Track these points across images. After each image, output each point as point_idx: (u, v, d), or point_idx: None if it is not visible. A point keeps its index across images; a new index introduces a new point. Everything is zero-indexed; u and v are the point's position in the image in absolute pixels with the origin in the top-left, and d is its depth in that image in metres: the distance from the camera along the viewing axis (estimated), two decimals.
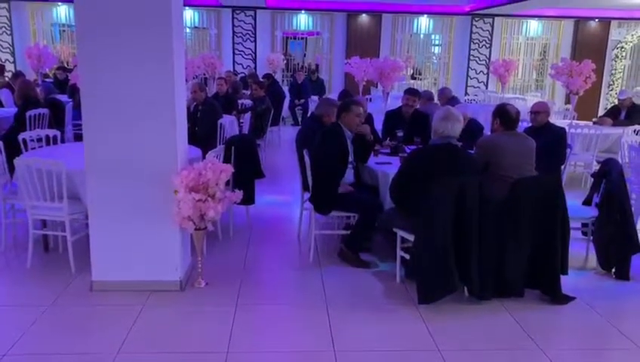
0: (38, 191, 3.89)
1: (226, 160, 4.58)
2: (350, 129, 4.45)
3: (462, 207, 3.47)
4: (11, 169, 4.19)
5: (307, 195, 4.60)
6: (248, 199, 4.86)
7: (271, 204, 6.02)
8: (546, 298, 3.77)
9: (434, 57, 15.50)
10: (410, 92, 6.11)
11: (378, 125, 6.10)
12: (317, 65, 14.64)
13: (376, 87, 12.31)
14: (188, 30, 14.10)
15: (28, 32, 13.70)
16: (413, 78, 15.42)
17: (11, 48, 13.62)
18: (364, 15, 14.35)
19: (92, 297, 3.66)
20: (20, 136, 5.06)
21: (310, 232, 4.56)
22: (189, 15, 14.03)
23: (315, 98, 11.42)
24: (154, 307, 3.54)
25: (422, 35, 15.17)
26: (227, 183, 4.01)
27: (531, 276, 3.73)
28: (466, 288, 3.73)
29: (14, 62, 13.48)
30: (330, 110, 4.85)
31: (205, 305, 3.60)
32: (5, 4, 13.40)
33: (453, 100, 7.09)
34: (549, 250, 3.66)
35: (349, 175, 4.54)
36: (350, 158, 4.51)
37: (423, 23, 14.94)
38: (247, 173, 4.87)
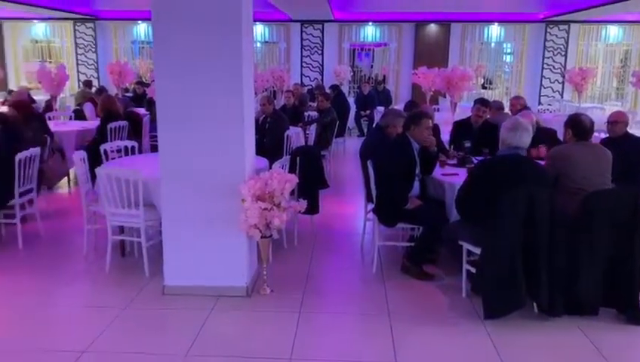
0: (117, 198, 4.16)
1: (292, 170, 4.68)
2: (418, 141, 4.42)
3: (531, 220, 3.37)
4: (93, 177, 4.50)
5: (371, 206, 4.61)
6: (312, 208, 4.93)
7: (335, 214, 6.07)
8: (622, 317, 3.56)
9: (505, 66, 15.07)
10: (481, 102, 5.98)
11: (445, 135, 6.02)
12: (384, 76, 14.64)
13: (445, 97, 12.13)
14: (258, 45, 14.54)
15: (110, 50, 14.64)
16: (483, 87, 15.07)
17: (96, 65, 14.61)
18: (432, 25, 14.22)
19: (164, 300, 3.84)
20: (102, 147, 5.41)
21: (374, 243, 4.56)
22: (260, 30, 14.47)
23: (381, 109, 11.42)
24: (221, 311, 3.67)
25: (493, 44, 14.81)
26: (292, 193, 4.10)
27: (607, 294, 3.54)
28: (535, 304, 3.60)
29: (98, 77, 14.44)
30: (396, 121, 4.85)
31: (270, 311, 3.69)
32: (91, 24, 14.40)
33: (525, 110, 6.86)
34: (627, 267, 3.47)
35: (415, 187, 4.51)
36: (417, 170, 4.48)
37: (494, 31, 14.58)
38: (311, 183, 4.95)
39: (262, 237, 3.74)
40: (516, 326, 3.47)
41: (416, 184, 4.49)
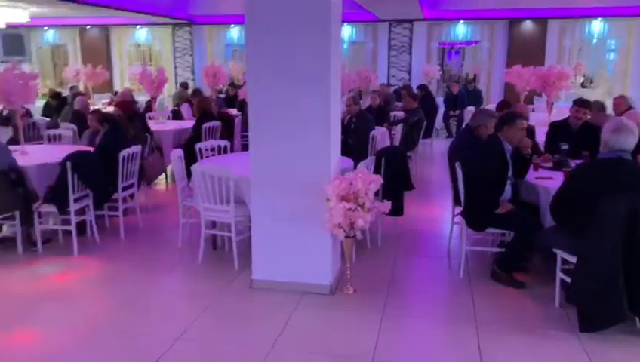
0: (210, 195, 4.37)
1: (376, 171, 4.67)
2: (511, 143, 4.25)
3: (634, 229, 3.13)
4: (189, 174, 4.76)
5: (459, 209, 4.50)
6: (397, 210, 4.89)
7: (420, 216, 5.98)
8: None
9: (608, 64, 14.06)
10: (580, 103, 5.62)
11: (540, 137, 5.74)
12: (474, 75, 14.19)
13: (540, 96, 11.53)
14: (345, 45, 14.63)
15: (205, 53, 15.37)
16: (583, 86, 14.15)
17: (192, 67, 15.40)
18: (527, 22, 13.58)
19: (251, 293, 3.99)
20: (197, 146, 5.71)
21: (461, 248, 4.45)
22: (347, 31, 14.55)
23: (471, 109, 11.08)
24: (305, 308, 3.75)
25: (595, 40, 13.87)
26: (376, 194, 4.09)
27: None
28: (638, 318, 3.34)
29: (194, 79, 15.21)
30: (488, 121, 4.69)
31: (353, 311, 3.72)
32: (188, 28, 15.20)
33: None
34: None
35: (507, 191, 4.34)
36: (509, 173, 4.31)
37: (596, 27, 13.65)
38: (396, 185, 4.91)
39: (346, 236, 3.77)
40: (615, 342, 3.25)
41: (508, 187, 4.32)
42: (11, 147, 5.19)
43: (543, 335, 3.37)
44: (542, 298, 3.87)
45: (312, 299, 3.87)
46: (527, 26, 13.61)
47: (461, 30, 14.25)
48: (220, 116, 8.06)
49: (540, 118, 8.17)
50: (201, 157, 5.54)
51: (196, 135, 7.30)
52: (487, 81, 14.17)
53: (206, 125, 7.39)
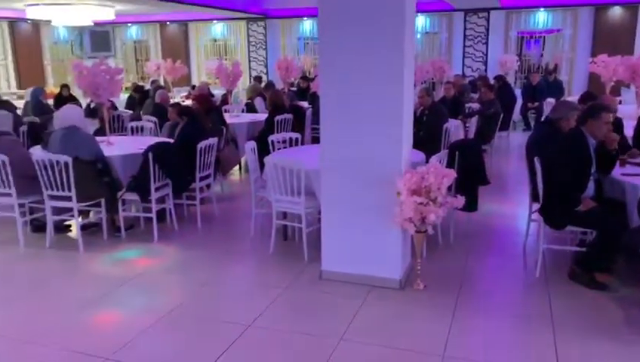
0: (282, 186, 4.45)
1: (450, 165, 4.57)
2: (595, 137, 4.01)
3: None
4: (262, 166, 4.87)
5: (536, 206, 4.31)
6: (470, 205, 4.76)
7: (495, 212, 5.79)
8: None
9: None
10: None
11: (629, 131, 5.38)
12: (555, 65, 13.49)
13: (628, 87, 10.80)
14: (418, 36, 14.36)
15: (278, 46, 15.62)
16: None
17: (265, 61, 15.71)
18: (616, 8, 12.72)
19: (321, 285, 4.04)
20: (269, 138, 5.82)
21: (538, 246, 4.27)
22: (421, 21, 14.27)
23: (551, 101, 10.56)
24: (374, 301, 3.74)
25: None
26: (449, 188, 4.00)
27: None
28: None
29: (267, 73, 15.51)
30: (569, 114, 4.45)
31: (423, 306, 3.67)
32: (262, 23, 15.49)
33: None
34: None
35: (590, 187, 4.10)
36: (592, 169, 4.07)
37: None
38: (470, 179, 4.78)
39: (416, 231, 3.72)
40: None
41: (591, 184, 4.08)
42: (98, 138, 5.53)
43: (627, 341, 3.18)
44: (626, 301, 3.65)
45: (381, 292, 3.85)
46: (616, 12, 12.75)
47: (541, 18, 13.57)
48: (291, 109, 8.17)
49: (628, 111, 7.66)
50: (274, 150, 5.65)
51: (269, 127, 7.45)
52: (569, 72, 13.44)
53: (278, 118, 7.52)
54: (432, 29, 14.46)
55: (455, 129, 6.58)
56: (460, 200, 3.77)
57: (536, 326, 3.38)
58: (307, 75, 14.11)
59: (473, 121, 7.55)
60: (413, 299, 3.77)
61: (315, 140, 7.93)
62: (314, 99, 9.25)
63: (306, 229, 4.47)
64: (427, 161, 4.26)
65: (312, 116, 8.66)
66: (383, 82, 3.70)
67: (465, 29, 13.90)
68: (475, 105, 8.64)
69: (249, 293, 4.00)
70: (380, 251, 3.92)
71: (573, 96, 9.92)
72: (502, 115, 8.20)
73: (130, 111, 9.36)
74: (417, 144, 4.76)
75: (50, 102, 10.32)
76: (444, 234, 4.89)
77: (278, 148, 5.72)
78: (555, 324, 3.38)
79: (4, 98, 9.22)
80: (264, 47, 15.66)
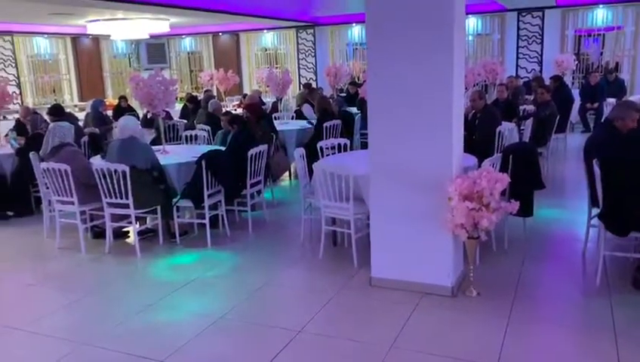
0: (330, 192, 4.46)
1: (503, 169, 4.45)
2: None
3: None
4: (310, 172, 4.90)
5: (596, 211, 4.13)
6: (525, 211, 4.60)
7: (551, 217, 5.58)
8: None
9: None
10: None
11: None
12: (616, 64, 12.89)
13: None
14: (470, 38, 14.09)
15: (327, 53, 15.70)
16: None
17: (314, 68, 15.83)
18: None
19: (371, 291, 4.01)
20: (318, 144, 5.85)
21: (598, 253, 4.08)
22: (472, 22, 14.00)
23: (611, 101, 10.11)
24: (426, 309, 3.68)
25: None
26: (503, 193, 3.90)
27: None
28: None
29: (316, 80, 15.62)
30: (628, 114, 4.25)
31: (476, 314, 3.58)
32: (311, 30, 15.63)
33: None
34: None
35: None
36: None
37: None
38: (525, 183, 4.63)
39: (468, 237, 3.64)
40: None
41: None
42: (154, 147, 5.72)
43: None
44: None
45: (433, 300, 3.79)
46: None
47: (600, 15, 13.01)
48: (340, 115, 8.18)
49: None
50: (322, 156, 5.67)
51: (318, 134, 7.49)
52: (632, 70, 12.80)
53: (327, 124, 7.55)
54: (483, 31, 14.14)
55: (509, 132, 6.40)
56: (514, 205, 3.67)
57: (597, 337, 3.22)
58: (356, 80, 14.10)
59: (528, 124, 7.31)
60: (466, 307, 3.69)
61: (364, 146, 7.91)
62: (362, 105, 9.22)
63: (355, 235, 4.46)
64: (479, 166, 4.17)
65: (360, 121, 8.64)
66: (432, 86, 3.65)
67: (518, 29, 13.52)
68: (530, 108, 8.38)
69: (300, 299, 4.02)
70: (431, 257, 3.86)
71: (635, 96, 9.45)
72: (558, 117, 7.90)
73: (185, 121, 9.64)
74: (470, 148, 4.67)
75: (110, 113, 10.78)
76: (498, 240, 4.75)
77: (327, 154, 5.74)
78: (618, 336, 3.22)
79: (67, 110, 9.68)
80: (313, 54, 15.78)
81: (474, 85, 10.55)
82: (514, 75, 12.73)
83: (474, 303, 3.74)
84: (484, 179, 3.51)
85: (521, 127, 7.32)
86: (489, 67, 11.66)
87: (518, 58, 13.63)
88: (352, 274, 4.31)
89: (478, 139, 6.25)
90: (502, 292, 3.87)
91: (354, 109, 9.81)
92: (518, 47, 13.60)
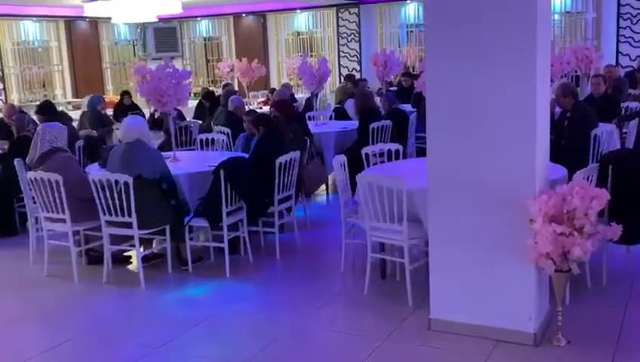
0: (378, 210, 4.43)
1: (601, 183, 4.35)
2: None
3: None
4: (353, 185, 4.90)
5: None
6: (629, 237, 4.46)
7: None
8: None
9: None
10: None
11: None
12: None
13: None
14: (556, 17, 13.89)
15: (375, 37, 15.74)
16: None
17: (358, 56, 15.89)
18: None
19: (429, 337, 3.96)
20: (363, 151, 5.84)
21: None
22: None
23: None
24: (501, 361, 3.60)
25: None
26: (601, 214, 3.80)
27: None
28: None
29: (360, 70, 15.67)
30: None
31: None
32: (355, 9, 15.71)
33: None
34: None
35: None
36: None
37: None
38: (630, 202, 4.51)
39: (556, 270, 3.57)
40: None
41: None
42: (163, 153, 5.84)
43: None
44: None
45: (510, 349, 3.71)
46: None
47: None
48: (390, 114, 8.17)
49: None
50: (368, 165, 5.65)
51: (362, 137, 7.49)
52: None
53: (374, 125, 7.55)
54: (573, 9, 13.93)
55: (608, 136, 6.26)
56: (616, 230, 3.58)
57: None
58: (411, 70, 14.07)
59: (632, 126, 7.13)
60: (553, 359, 3.61)
61: (422, 152, 7.86)
62: (419, 101, 9.20)
63: (410, 265, 4.42)
64: (570, 179, 4.08)
65: (416, 122, 8.61)
66: (508, 78, 3.61)
67: (619, 5, 13.25)
68: (635, 105, 8.18)
69: (339, 345, 4.00)
70: (508, 295, 3.79)
71: None
72: None
73: (200, 122, 9.80)
74: (557, 156, 4.59)
75: (110, 112, 11.06)
76: (595, 274, 4.63)
77: (374, 163, 5.73)
78: None
79: (59, 109, 9.96)
80: (357, 39, 15.85)
81: (561, 77, 10.37)
82: (613, 63, 12.46)
83: (563, 354, 3.66)
84: (576, 196, 3.44)
85: (624, 130, 7.15)
86: (581, 54, 11.42)
87: (618, 42, 13.34)
88: (405, 316, 4.27)
89: (568, 144, 6.14)
90: (599, 341, 3.78)
91: (408, 107, 9.78)
92: (618, 29, 13.32)
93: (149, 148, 5.37)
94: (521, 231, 3.60)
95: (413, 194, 4.29)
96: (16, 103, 12.00)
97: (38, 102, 10.14)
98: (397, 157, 5.92)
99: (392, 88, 12.26)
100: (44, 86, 15.75)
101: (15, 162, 5.84)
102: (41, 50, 15.76)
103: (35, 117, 7.89)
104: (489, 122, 3.72)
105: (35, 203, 5.51)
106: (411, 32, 15.75)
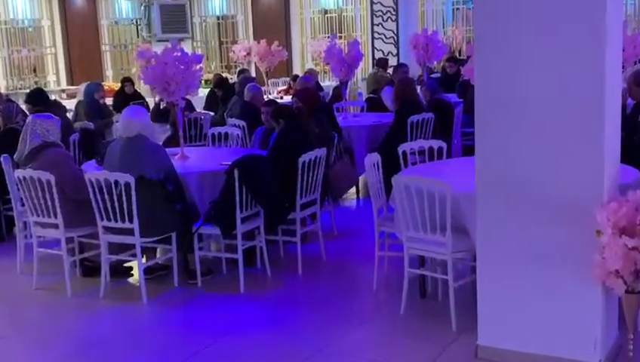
0: (417, 218, 4.41)
1: None
2: None
3: None
4: (388, 189, 4.87)
5: None
6: None
7: None
8: None
9: None
10: None
11: None
12: None
13: None
14: None
15: (415, 15, 15.67)
16: None
17: (395, 38, 15.83)
18: None
19: None
20: (399, 148, 5.82)
21: None
22: None
23: None
24: None
25: None
26: None
27: None
28: None
29: (397, 54, 15.61)
30: None
31: None
32: None
33: None
34: None
35: None
36: None
37: None
38: None
39: (627, 291, 3.52)
40: None
41: None
42: (169, 150, 5.87)
43: None
44: None
45: None
46: None
47: None
48: (432, 105, 8.13)
49: None
50: (406, 165, 5.63)
51: (399, 133, 7.46)
52: None
53: (412, 118, 7.52)
54: None
55: None
56: None
57: None
58: (456, 55, 14.00)
59: None
60: None
61: (469, 150, 7.80)
62: (466, 91, 9.13)
63: (455, 283, 4.39)
64: None
65: (462, 115, 8.55)
66: (570, 63, 3.58)
67: None
68: None
69: None
70: (569, 320, 3.76)
71: None
72: None
73: (211, 113, 9.86)
74: (629, 156, 4.53)
75: (109, 101, 11.17)
76: None
77: (413, 163, 5.71)
78: None
79: (52, 98, 10.05)
80: (394, 17, 15.80)
81: (635, 63, 10.23)
82: None
83: None
84: None
85: None
86: None
87: None
88: (448, 341, 4.25)
89: None
90: None
91: (453, 97, 9.73)
92: None
93: (152, 144, 5.41)
94: (586, 244, 3.55)
95: (459, 199, 4.26)
96: (2, 91, 12.13)
97: (27, 90, 10.24)
98: (439, 156, 5.89)
99: (434, 75, 12.21)
100: (34, 71, 15.79)
101: (1, 159, 5.92)
102: (32, 30, 15.84)
103: (24, 106, 7.98)
104: (547, 117, 3.68)
105: (23, 205, 5.58)
106: (458, 9, 15.68)
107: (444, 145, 6.00)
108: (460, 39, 15.07)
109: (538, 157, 3.74)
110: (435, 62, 12.80)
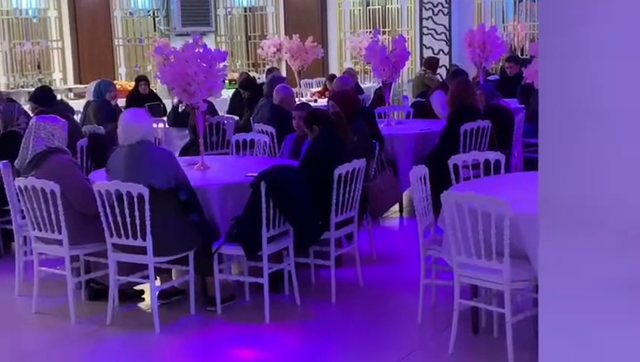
0: (470, 242, 4.37)
1: None
2: None
3: None
4: (437, 207, 4.84)
5: None
6: None
7: None
8: None
9: None
10: None
11: None
12: None
13: None
14: None
15: (470, 8, 15.60)
16: None
17: (447, 34, 15.77)
18: None
19: None
20: (450, 160, 5.78)
21: None
22: None
23: None
24: None
25: None
26: None
27: None
28: None
29: (449, 53, 15.55)
30: None
31: None
32: None
33: None
34: None
35: None
36: None
37: None
38: None
39: None
40: None
41: None
42: (187, 159, 5.90)
43: None
44: None
45: None
46: None
47: None
48: (488, 112, 8.07)
49: None
50: (457, 180, 5.60)
51: (450, 143, 7.42)
52: None
53: (466, 126, 7.47)
54: None
55: None
56: None
57: None
58: (518, 54, 13.90)
59: None
60: None
61: (530, 164, 7.72)
62: (528, 96, 9.08)
63: (513, 317, 4.34)
64: None
65: (524, 123, 8.48)
66: None
67: None
68: None
69: None
70: None
71: None
72: None
73: (236, 117, 9.90)
74: None
75: (122, 102, 11.28)
76: None
77: (466, 178, 5.67)
78: None
79: (58, 97, 10.11)
80: (446, 10, 15.77)
81: None
82: None
83: None
84: None
85: None
86: None
87: None
88: None
89: None
90: None
91: (514, 102, 9.66)
92: None
93: (158, 150, 5.46)
94: None
95: (519, 220, 4.23)
96: (2, 89, 12.27)
97: (31, 88, 10.33)
98: (497, 170, 5.84)
99: (491, 77, 12.13)
100: (38, 67, 15.83)
101: (0, 165, 6.00)
102: (37, 22, 15.91)
103: (27, 107, 8.07)
104: (628, 126, 3.63)
105: (24, 218, 5.63)
106: (520, 1, 15.58)
107: (502, 157, 5.94)
108: (522, 36, 14.95)
109: (612, 174, 3.68)
110: (492, 63, 12.71)
